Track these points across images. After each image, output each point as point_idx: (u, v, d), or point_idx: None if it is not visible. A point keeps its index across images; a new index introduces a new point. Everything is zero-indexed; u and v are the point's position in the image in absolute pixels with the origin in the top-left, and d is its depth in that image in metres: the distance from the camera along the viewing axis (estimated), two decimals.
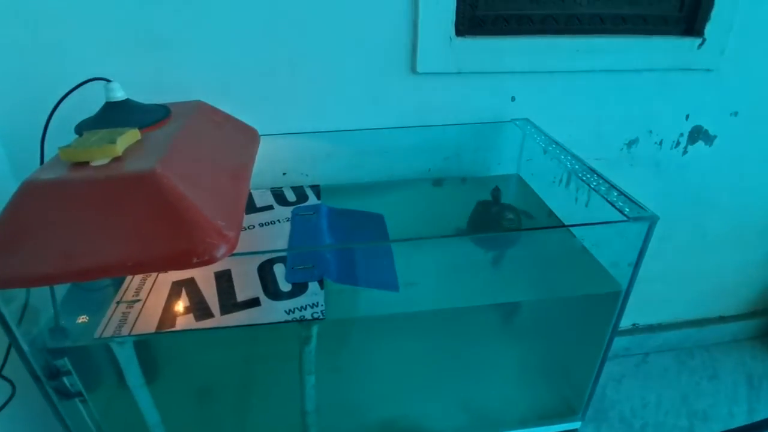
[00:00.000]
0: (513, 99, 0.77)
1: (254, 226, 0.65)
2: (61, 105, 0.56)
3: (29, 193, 0.42)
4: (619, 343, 1.12)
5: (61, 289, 0.55)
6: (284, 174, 0.77)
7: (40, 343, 0.49)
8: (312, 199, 0.72)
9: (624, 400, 1.04)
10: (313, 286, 0.55)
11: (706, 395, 1.05)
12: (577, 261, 0.60)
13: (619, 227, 0.55)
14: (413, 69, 0.71)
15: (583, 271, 0.60)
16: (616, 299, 0.56)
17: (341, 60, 0.70)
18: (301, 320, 0.51)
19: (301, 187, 0.75)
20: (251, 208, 0.70)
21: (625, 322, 1.13)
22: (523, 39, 0.73)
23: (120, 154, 0.45)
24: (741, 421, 0.99)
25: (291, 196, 0.72)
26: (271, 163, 0.76)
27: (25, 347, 0.47)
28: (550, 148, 0.67)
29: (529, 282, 0.62)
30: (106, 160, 0.45)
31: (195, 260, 0.41)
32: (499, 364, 0.65)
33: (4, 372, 0.53)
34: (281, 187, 0.75)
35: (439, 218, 0.73)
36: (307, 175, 0.78)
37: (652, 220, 0.51)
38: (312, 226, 0.64)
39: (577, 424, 0.66)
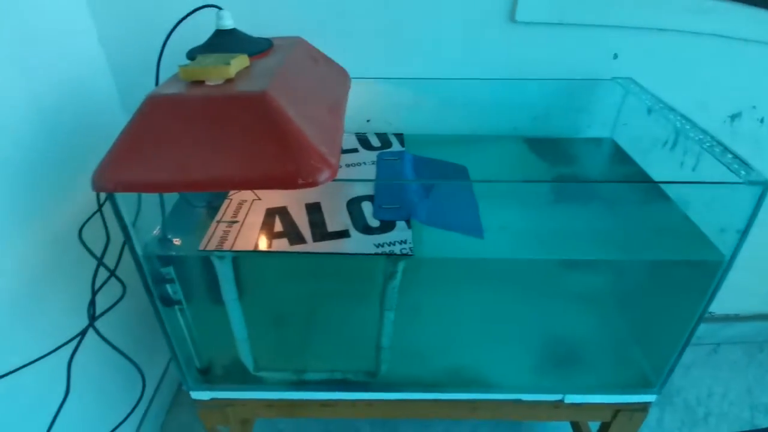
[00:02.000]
0: (615, 56, 0.72)
1: (341, 167, 0.66)
2: (165, 33, 0.58)
3: (153, 106, 0.45)
4: None
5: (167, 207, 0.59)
6: (368, 121, 0.78)
7: (150, 250, 0.53)
8: (396, 146, 0.72)
9: (690, 388, 1.00)
10: (400, 224, 0.55)
11: None
12: (676, 225, 0.57)
13: (727, 191, 0.51)
14: (512, 17, 0.68)
15: (681, 236, 0.56)
16: (716, 269, 0.53)
17: (436, 5, 0.68)
18: (390, 254, 0.51)
19: (385, 134, 0.76)
20: None
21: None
22: None
23: (233, 76, 0.47)
24: None
25: (375, 142, 0.73)
26: (356, 108, 0.76)
27: (139, 251, 0.51)
28: (657, 108, 0.62)
29: (619, 241, 0.59)
30: (219, 81, 0.46)
31: (300, 181, 0.43)
32: (577, 324, 0.64)
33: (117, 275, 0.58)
34: (365, 133, 0.76)
35: (521, 176, 0.71)
36: (390, 123, 0.77)
37: (766, 186, 0.47)
38: (397, 171, 0.65)
39: (651, 397, 0.64)
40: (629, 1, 0.68)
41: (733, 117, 0.80)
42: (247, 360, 0.62)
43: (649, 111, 0.64)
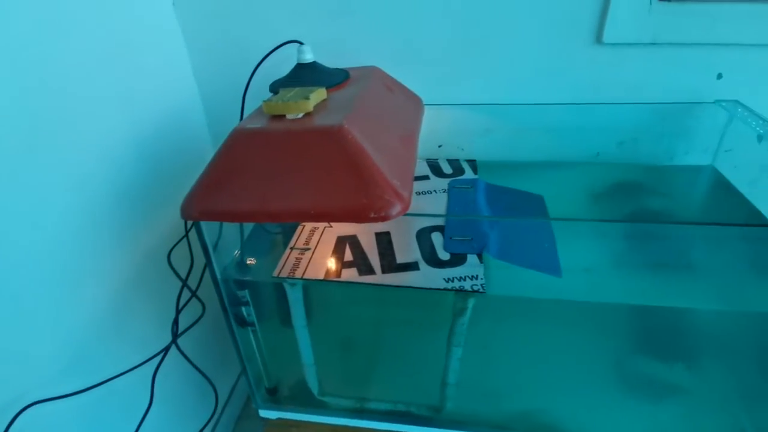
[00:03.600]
0: (719, 77, 0.65)
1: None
2: (251, 65, 0.61)
3: (238, 139, 0.47)
4: None
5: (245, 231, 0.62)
6: (439, 146, 0.76)
7: (228, 274, 0.55)
8: (468, 173, 0.70)
9: None
10: (471, 258, 0.53)
11: None
12: None
13: None
14: (598, 39, 0.64)
15: None
16: None
17: (517, 29, 0.66)
18: (461, 290, 0.50)
19: (457, 160, 0.74)
20: None
21: None
22: (743, 4, 0.60)
23: (311, 110, 0.48)
24: None
25: (447, 169, 0.72)
26: (428, 134, 0.75)
27: (218, 275, 0.54)
28: None
29: (717, 289, 0.52)
30: (299, 115, 0.48)
31: (372, 215, 0.43)
32: (666, 378, 0.57)
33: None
34: (437, 159, 0.75)
35: (605, 208, 0.66)
36: (462, 149, 0.76)
37: None
38: (469, 200, 0.63)
39: None
40: (737, 16, 0.61)
41: None
42: (313, 384, 0.63)
43: (761, 138, 0.57)
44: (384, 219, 0.43)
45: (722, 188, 0.65)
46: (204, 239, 0.52)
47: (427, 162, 0.74)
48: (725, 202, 0.63)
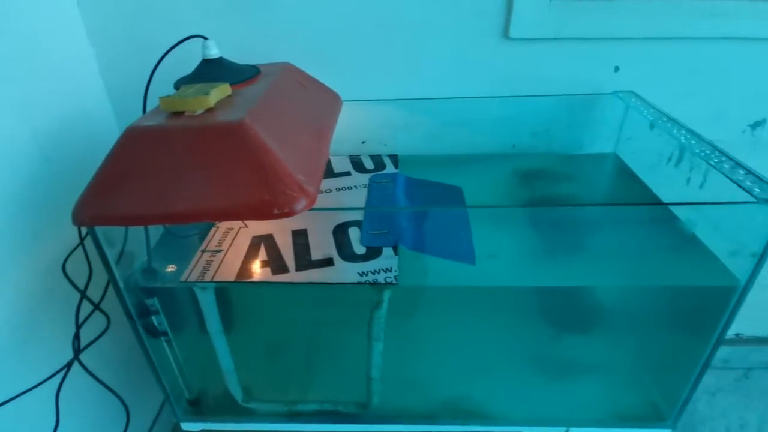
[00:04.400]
0: (617, 69, 0.69)
1: (332, 190, 0.65)
2: (162, 64, 0.59)
3: (131, 138, 0.45)
4: (717, 353, 1.00)
5: (154, 235, 0.58)
6: (363, 143, 0.76)
7: (133, 282, 0.52)
8: (390, 168, 0.71)
9: (718, 417, 0.93)
10: (387, 251, 0.54)
11: None
12: (684, 248, 0.53)
13: (741, 211, 0.47)
14: (505, 34, 0.66)
15: (690, 260, 0.53)
16: (730, 295, 0.49)
17: (428, 24, 0.67)
18: (374, 283, 0.50)
19: (380, 156, 0.74)
20: (329, 173, 0.70)
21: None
22: (636, 0, 0.65)
23: (212, 105, 0.47)
24: None
25: (369, 164, 0.72)
26: (351, 131, 0.75)
27: (121, 284, 0.51)
28: (660, 122, 0.59)
29: (622, 267, 0.56)
30: (200, 111, 0.46)
31: (275, 211, 0.42)
32: (579, 353, 0.60)
33: (101, 307, 0.58)
34: (359, 155, 0.75)
35: (520, 196, 0.68)
36: (385, 144, 0.76)
37: None
38: (389, 194, 0.63)
39: None
40: (629, 12, 0.65)
41: (755, 125, 0.75)
42: (236, 391, 0.61)
43: (652, 125, 0.61)
44: (288, 215, 0.42)
45: (623, 174, 0.69)
46: (101, 246, 0.48)
47: (350, 158, 0.74)
48: (625, 187, 0.67)
